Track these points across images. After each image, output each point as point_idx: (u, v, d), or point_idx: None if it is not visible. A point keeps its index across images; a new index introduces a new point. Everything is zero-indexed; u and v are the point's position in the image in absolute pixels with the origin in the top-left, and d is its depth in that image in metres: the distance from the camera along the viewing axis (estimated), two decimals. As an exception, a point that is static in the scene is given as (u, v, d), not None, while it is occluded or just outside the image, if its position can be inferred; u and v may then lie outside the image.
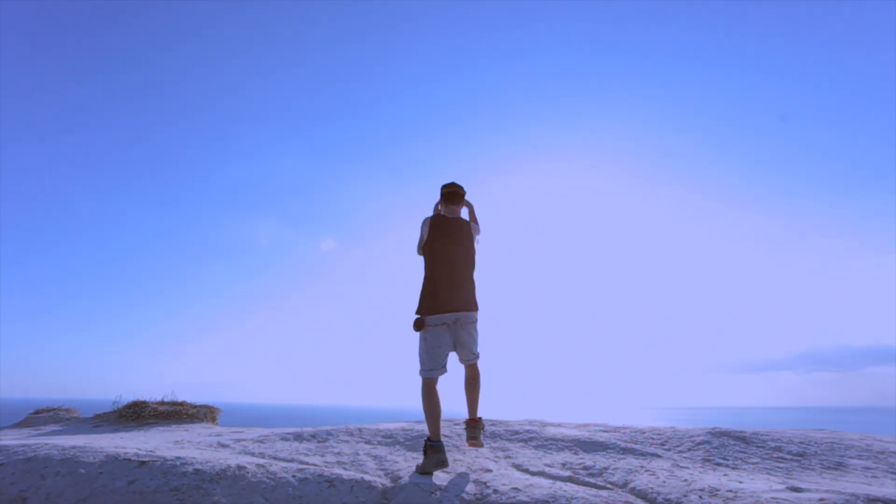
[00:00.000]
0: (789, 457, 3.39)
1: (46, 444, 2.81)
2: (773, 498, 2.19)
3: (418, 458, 3.20)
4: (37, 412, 4.83)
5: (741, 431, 4.03)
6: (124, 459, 2.55)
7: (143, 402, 4.62)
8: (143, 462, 2.52)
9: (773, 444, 3.69)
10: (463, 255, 3.11)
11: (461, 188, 3.35)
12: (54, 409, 4.86)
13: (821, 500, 2.14)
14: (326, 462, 3.05)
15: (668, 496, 2.43)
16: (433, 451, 2.72)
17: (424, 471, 2.68)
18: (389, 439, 3.75)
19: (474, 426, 2.98)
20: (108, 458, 2.55)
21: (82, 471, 2.42)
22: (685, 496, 2.40)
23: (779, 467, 3.12)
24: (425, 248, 3.16)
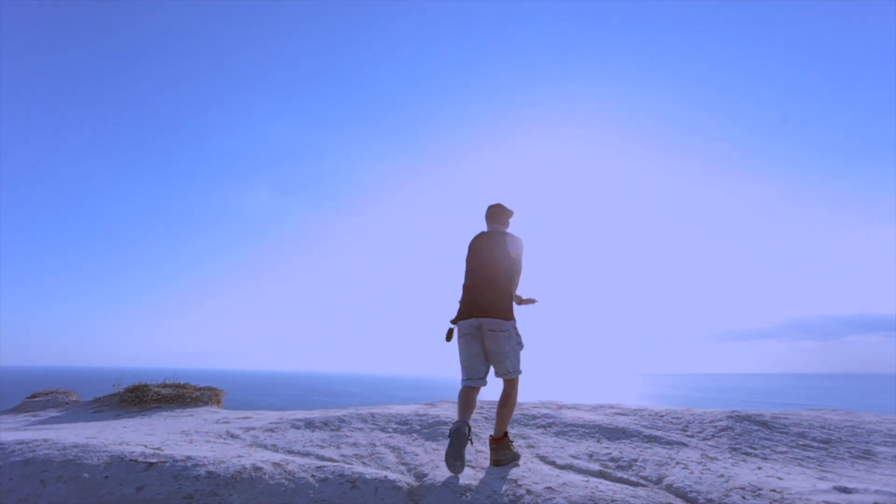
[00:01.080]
0: (815, 444, 3.32)
1: (45, 440, 2.63)
2: (824, 501, 2.08)
3: (438, 449, 3.08)
4: (34, 395, 4.65)
5: (760, 415, 3.96)
6: (131, 461, 2.38)
7: (145, 386, 4.45)
8: (152, 464, 2.36)
9: (795, 430, 3.62)
10: (492, 264, 2.96)
11: (501, 207, 3.23)
12: (52, 392, 4.68)
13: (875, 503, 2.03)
14: (344, 456, 2.92)
15: (709, 496, 2.32)
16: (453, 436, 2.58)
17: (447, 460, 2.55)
18: (405, 426, 3.63)
19: (496, 447, 2.79)
20: (114, 460, 2.38)
21: (86, 475, 2.25)
22: (726, 496, 2.29)
23: (809, 457, 3.04)
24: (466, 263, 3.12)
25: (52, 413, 4.16)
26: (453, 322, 2.96)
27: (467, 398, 2.79)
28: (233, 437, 3.25)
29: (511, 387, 2.88)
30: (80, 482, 2.20)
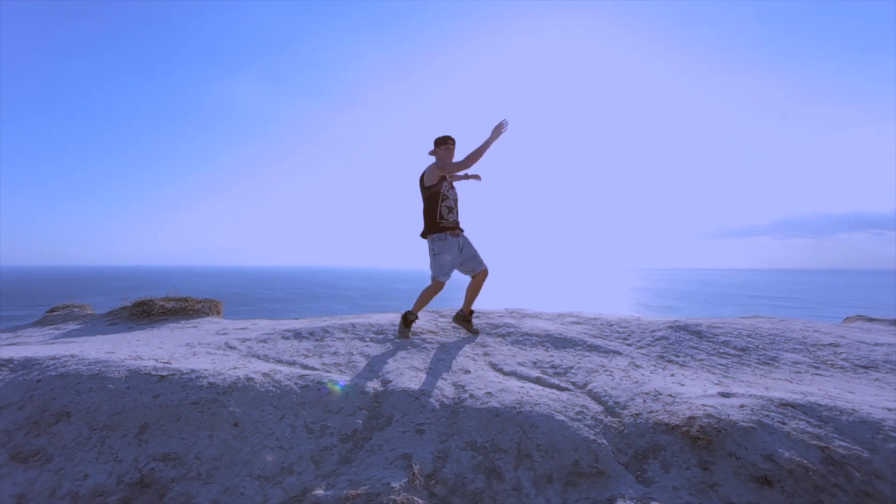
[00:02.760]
0: (733, 352, 3.86)
1: (73, 356, 3.12)
2: (703, 404, 2.60)
3: (406, 357, 3.62)
4: (53, 310, 5.20)
5: (698, 324, 4.50)
6: (146, 374, 2.88)
7: (151, 300, 4.95)
8: (163, 377, 2.86)
9: (722, 339, 4.16)
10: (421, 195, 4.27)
11: (436, 141, 4.25)
12: (69, 307, 5.22)
13: (741, 406, 2.55)
14: (325, 364, 3.45)
15: (618, 399, 2.86)
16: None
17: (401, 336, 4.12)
18: (381, 335, 4.17)
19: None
20: (132, 374, 2.88)
21: (111, 386, 2.75)
22: (632, 400, 2.83)
23: (720, 364, 3.59)
24: None
25: (72, 326, 4.72)
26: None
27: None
28: (231, 348, 3.78)
29: (432, 284, 4.22)
30: (107, 392, 2.71)
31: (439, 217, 4.12)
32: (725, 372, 3.44)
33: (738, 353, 3.85)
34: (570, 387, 3.13)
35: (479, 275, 4.30)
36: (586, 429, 2.51)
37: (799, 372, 3.44)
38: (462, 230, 4.30)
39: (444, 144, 4.20)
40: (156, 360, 3.18)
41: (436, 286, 4.17)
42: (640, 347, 3.98)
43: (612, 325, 4.60)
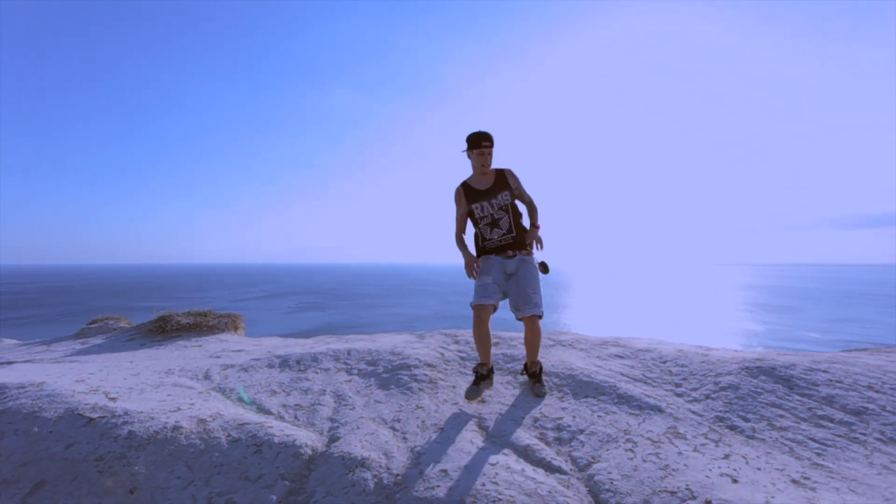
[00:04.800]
0: (839, 416, 2.67)
1: (40, 385, 3.01)
2: (756, 533, 1.63)
3: (380, 402, 3.01)
4: (92, 322, 5.47)
5: (790, 365, 3.27)
6: (78, 415, 2.63)
7: (169, 316, 4.94)
8: (91, 420, 2.58)
9: (825, 391, 2.94)
10: None
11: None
12: (105, 319, 5.44)
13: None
14: (285, 406, 2.97)
15: (625, 498, 1.97)
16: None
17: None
18: (371, 367, 3.61)
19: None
20: (66, 414, 2.65)
21: (36, 429, 2.53)
22: (647, 502, 1.92)
23: (813, 440, 2.45)
24: None
25: (96, 341, 4.85)
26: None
27: None
28: (205, 378, 3.48)
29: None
30: (28, 436, 2.48)
31: (482, 239, 3.20)
32: (820, 454, 2.32)
33: (848, 417, 2.65)
34: (566, 465, 2.28)
35: (526, 321, 2.99)
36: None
37: (952, 465, 2.20)
38: (523, 252, 3.13)
39: (476, 147, 3.03)
40: (106, 394, 2.94)
41: (474, 315, 2.98)
42: (694, 401, 2.93)
43: (665, 362, 3.54)
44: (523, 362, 3.46)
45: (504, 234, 3.13)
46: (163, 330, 4.74)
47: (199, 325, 4.87)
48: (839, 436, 2.49)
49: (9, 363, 4.01)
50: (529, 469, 2.22)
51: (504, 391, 3.17)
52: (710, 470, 2.13)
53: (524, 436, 2.55)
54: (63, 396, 2.83)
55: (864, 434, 2.49)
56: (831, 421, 2.63)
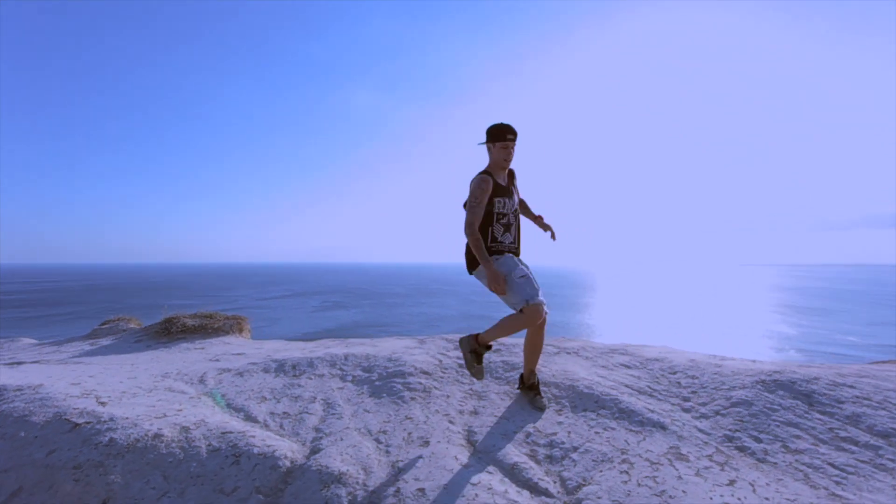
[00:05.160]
0: (865, 438, 2.42)
1: (37, 387, 3.03)
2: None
3: (369, 411, 2.92)
4: (105, 322, 5.58)
5: (813, 380, 3.02)
6: (65, 420, 2.63)
7: (175, 318, 4.97)
8: (77, 425, 2.57)
9: (849, 409, 2.69)
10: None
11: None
12: (117, 320, 5.54)
13: None
14: (272, 414, 2.91)
15: (614, 528, 1.80)
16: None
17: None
18: (365, 374, 3.52)
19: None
20: (54, 418, 2.64)
21: (23, 434, 2.53)
22: (636, 533, 1.76)
23: (832, 466, 2.22)
24: None
25: (105, 342, 4.93)
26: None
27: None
28: (200, 381, 3.46)
29: (524, 313, 2.82)
30: (15, 442, 2.48)
31: (491, 239, 2.91)
32: (838, 484, 2.09)
33: (875, 439, 2.40)
34: (554, 488, 2.12)
35: (541, 324, 2.88)
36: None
37: None
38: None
39: (499, 140, 2.84)
40: (97, 398, 2.94)
41: (531, 313, 2.66)
42: (702, 417, 2.73)
43: (674, 374, 3.33)
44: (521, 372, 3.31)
45: (512, 242, 2.97)
46: (168, 332, 4.78)
47: (205, 328, 4.89)
48: (863, 461, 2.25)
49: (18, 363, 4.09)
50: (513, 490, 2.08)
51: (500, 402, 3.03)
52: (711, 499, 1.94)
53: (513, 452, 2.40)
54: (55, 400, 2.84)
55: (893, 460, 2.25)
56: (855, 444, 2.39)
